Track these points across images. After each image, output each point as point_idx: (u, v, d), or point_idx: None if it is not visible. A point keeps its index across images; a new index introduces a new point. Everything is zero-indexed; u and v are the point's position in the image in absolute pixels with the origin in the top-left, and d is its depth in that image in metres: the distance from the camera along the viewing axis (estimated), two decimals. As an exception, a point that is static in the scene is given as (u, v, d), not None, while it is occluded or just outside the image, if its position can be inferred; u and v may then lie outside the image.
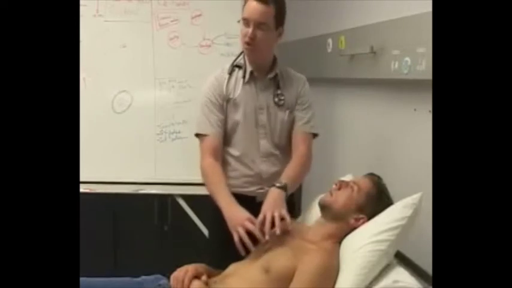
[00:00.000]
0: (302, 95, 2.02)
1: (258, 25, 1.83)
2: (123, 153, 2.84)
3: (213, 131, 1.91)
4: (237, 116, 1.93)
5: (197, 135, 1.96)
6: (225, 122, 1.94)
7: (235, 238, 1.65)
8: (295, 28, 3.18)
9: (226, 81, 1.94)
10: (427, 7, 1.45)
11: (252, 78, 1.94)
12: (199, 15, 2.77)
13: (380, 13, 2.02)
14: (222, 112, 1.93)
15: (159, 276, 1.76)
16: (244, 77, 1.94)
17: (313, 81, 2.95)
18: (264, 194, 1.88)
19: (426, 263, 1.59)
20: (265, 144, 1.95)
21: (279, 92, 1.97)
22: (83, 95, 1.61)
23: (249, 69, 1.94)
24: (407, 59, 1.74)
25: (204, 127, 1.93)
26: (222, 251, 1.86)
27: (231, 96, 1.93)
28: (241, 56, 1.98)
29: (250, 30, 1.83)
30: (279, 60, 2.01)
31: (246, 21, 1.85)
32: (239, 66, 1.97)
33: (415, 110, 1.80)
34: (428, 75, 1.40)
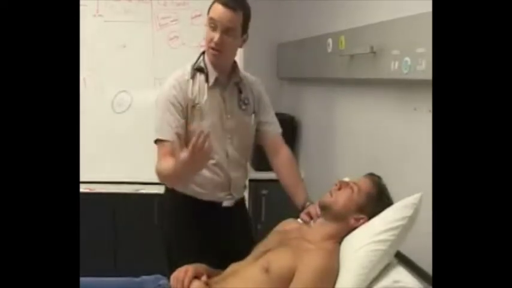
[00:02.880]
0: (262, 96, 2.05)
1: (226, 30, 1.81)
2: (123, 153, 2.84)
3: (174, 136, 1.79)
4: (206, 122, 1.87)
5: (156, 140, 1.86)
6: (186, 127, 1.85)
7: None
8: (295, 28, 3.18)
9: (190, 85, 1.87)
10: (427, 7, 1.45)
11: (216, 83, 1.90)
12: (199, 15, 2.77)
13: (380, 13, 2.02)
14: (183, 116, 1.85)
15: (159, 276, 1.76)
16: (207, 81, 1.89)
17: (313, 81, 2.96)
18: (230, 200, 1.95)
19: (426, 263, 1.59)
20: (231, 150, 1.95)
21: (242, 96, 1.96)
22: (83, 95, 1.61)
23: (213, 74, 1.89)
24: (407, 59, 1.74)
25: (166, 133, 1.83)
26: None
27: (196, 101, 1.87)
28: (201, 59, 1.92)
29: (217, 35, 1.80)
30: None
31: (213, 24, 1.80)
32: (200, 70, 1.90)
33: (415, 109, 1.80)
34: (428, 75, 1.40)
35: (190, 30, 2.79)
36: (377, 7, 2.09)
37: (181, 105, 1.85)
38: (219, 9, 1.80)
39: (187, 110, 1.86)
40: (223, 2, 1.80)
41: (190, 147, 1.57)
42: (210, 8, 1.83)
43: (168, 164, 1.72)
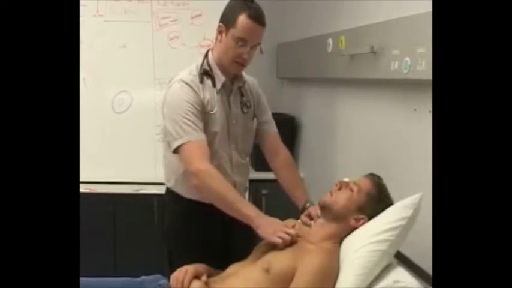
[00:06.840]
0: (261, 97, 2.05)
1: (255, 45, 1.82)
2: (123, 153, 2.85)
3: (202, 137, 1.79)
4: (215, 127, 1.85)
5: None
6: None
7: (279, 244, 1.61)
8: (295, 28, 3.18)
9: (202, 90, 1.83)
10: (427, 7, 1.45)
11: (222, 88, 1.88)
12: (199, 15, 2.78)
13: (380, 13, 2.02)
14: (201, 120, 1.81)
15: (159, 276, 1.76)
16: (214, 85, 1.86)
17: (313, 81, 2.96)
18: None
19: (426, 263, 1.59)
20: (235, 155, 1.94)
21: (244, 100, 1.96)
22: (83, 95, 1.61)
23: (221, 79, 1.87)
24: (407, 59, 1.74)
25: (193, 134, 1.77)
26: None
27: (208, 107, 1.84)
28: (205, 62, 1.89)
29: (246, 51, 1.80)
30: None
31: (243, 42, 1.78)
32: (206, 73, 1.87)
33: (415, 110, 1.80)
34: (428, 75, 1.40)
35: (190, 30, 2.79)
36: (377, 7, 2.09)
37: (197, 108, 1.81)
38: (252, 28, 1.77)
39: (201, 115, 1.82)
40: (255, 19, 1.77)
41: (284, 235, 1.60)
42: (234, 20, 1.77)
43: (218, 178, 1.72)
